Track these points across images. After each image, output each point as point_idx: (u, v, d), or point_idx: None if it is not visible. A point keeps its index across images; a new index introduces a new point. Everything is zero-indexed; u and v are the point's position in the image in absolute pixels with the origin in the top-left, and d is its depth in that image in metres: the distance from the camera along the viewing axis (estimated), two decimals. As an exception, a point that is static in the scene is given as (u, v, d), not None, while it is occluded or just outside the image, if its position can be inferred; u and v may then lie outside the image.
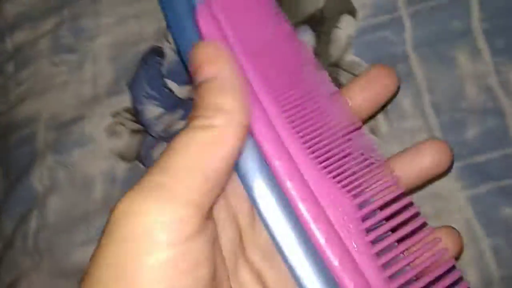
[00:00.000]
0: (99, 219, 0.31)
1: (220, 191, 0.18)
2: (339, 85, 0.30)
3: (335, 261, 0.19)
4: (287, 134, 0.21)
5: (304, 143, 0.21)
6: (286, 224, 0.19)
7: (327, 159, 0.21)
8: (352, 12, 0.31)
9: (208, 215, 0.18)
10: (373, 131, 0.29)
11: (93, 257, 0.17)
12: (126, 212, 0.16)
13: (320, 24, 0.31)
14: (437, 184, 0.28)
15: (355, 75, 0.30)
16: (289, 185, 0.20)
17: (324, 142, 0.21)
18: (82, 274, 0.17)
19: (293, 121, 0.21)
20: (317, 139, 0.21)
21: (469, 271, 0.27)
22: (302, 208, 0.20)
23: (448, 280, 0.20)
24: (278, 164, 0.20)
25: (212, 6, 0.22)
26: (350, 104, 0.24)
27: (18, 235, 0.32)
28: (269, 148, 0.20)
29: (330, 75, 0.30)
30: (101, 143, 0.32)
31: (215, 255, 0.18)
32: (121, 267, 0.16)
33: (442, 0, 0.30)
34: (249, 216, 0.21)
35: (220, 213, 0.20)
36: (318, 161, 0.21)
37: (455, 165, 0.28)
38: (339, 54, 0.31)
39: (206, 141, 0.17)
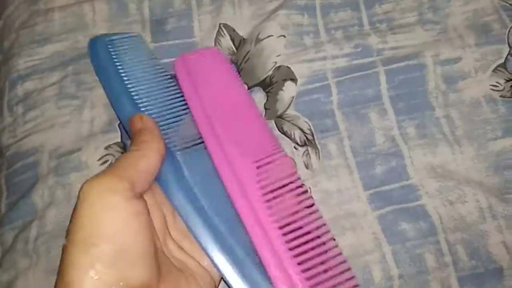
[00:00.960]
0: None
1: (145, 184, 0.28)
2: (283, 132, 0.40)
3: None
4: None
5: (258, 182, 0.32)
6: (193, 215, 0.30)
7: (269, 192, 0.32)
8: (293, 79, 0.41)
9: (140, 194, 0.28)
10: (307, 166, 0.38)
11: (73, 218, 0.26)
12: (92, 186, 0.26)
13: (270, 87, 0.41)
14: (354, 206, 0.37)
15: (295, 125, 0.40)
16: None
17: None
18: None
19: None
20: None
21: (375, 270, 0.35)
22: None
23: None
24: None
25: (186, 63, 0.36)
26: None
27: (20, 241, 0.37)
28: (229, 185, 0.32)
29: (276, 124, 0.40)
30: (94, 169, 0.39)
31: (150, 213, 0.28)
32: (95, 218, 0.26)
33: (358, 73, 0.41)
34: (169, 209, 0.31)
35: (149, 201, 0.29)
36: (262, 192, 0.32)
37: (367, 192, 0.37)
38: (283, 109, 0.40)
39: (136, 156, 0.29)
